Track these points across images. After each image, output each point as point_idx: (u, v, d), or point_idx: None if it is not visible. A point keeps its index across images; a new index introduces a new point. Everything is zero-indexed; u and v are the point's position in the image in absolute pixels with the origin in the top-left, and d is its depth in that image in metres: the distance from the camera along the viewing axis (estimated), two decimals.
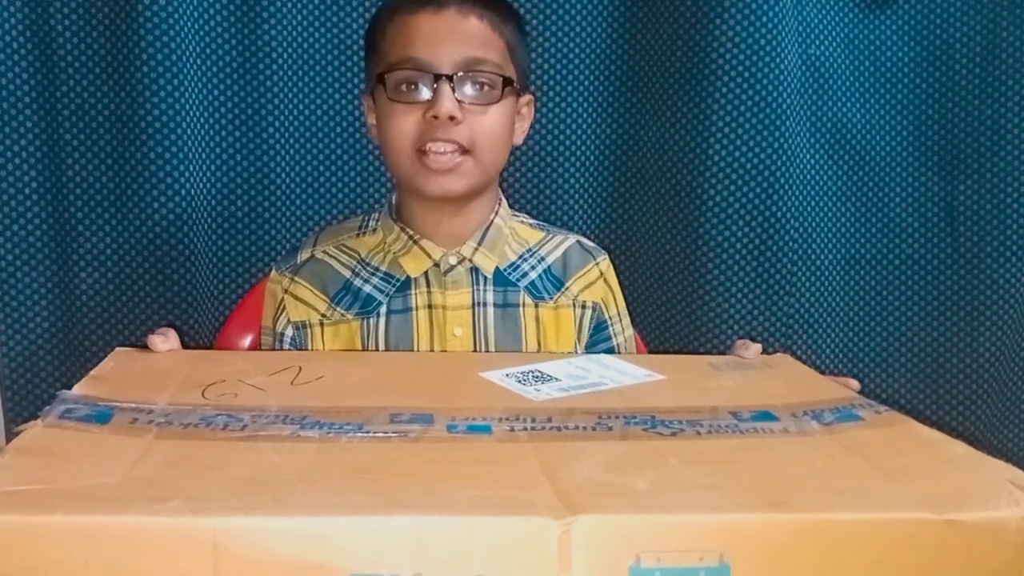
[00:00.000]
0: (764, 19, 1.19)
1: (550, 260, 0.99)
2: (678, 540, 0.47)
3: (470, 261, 0.94)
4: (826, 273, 1.30)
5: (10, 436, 0.56)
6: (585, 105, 1.29)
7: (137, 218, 1.17)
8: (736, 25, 1.19)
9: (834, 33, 1.28)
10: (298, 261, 0.96)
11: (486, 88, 0.88)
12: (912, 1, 1.30)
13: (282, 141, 1.22)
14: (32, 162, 1.16)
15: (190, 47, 1.15)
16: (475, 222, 0.95)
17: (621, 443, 0.60)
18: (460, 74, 0.86)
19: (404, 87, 0.87)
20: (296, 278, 0.95)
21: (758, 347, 0.85)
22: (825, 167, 1.30)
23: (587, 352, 0.98)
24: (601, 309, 1.00)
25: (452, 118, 0.85)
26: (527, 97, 0.97)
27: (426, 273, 0.93)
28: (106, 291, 1.20)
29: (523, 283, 0.96)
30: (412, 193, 0.92)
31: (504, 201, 0.99)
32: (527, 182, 1.28)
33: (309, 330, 0.93)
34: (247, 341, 1.16)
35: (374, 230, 0.97)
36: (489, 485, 0.51)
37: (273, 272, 0.97)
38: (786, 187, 1.24)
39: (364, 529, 0.46)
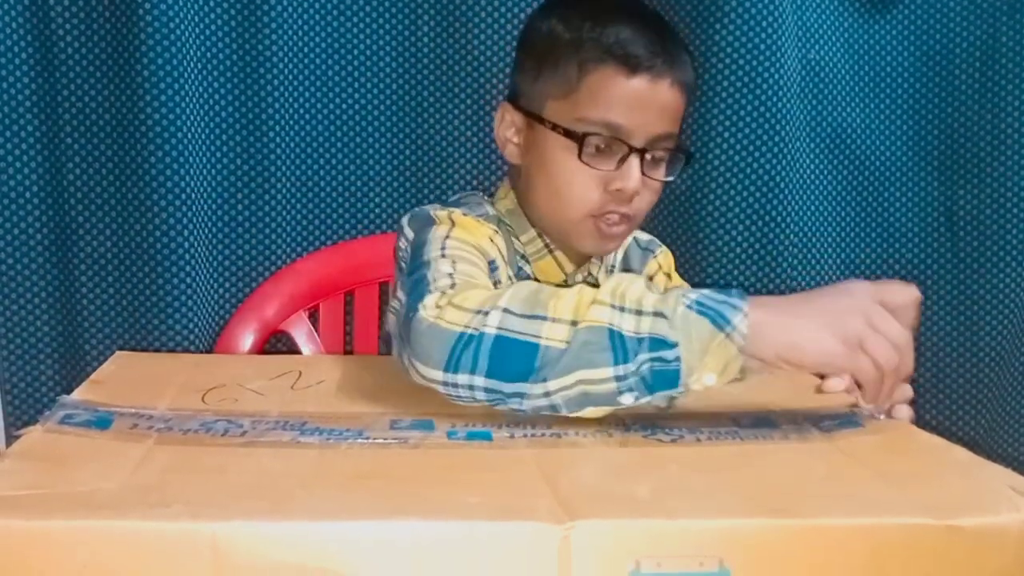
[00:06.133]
0: (764, 23, 1.19)
1: (611, 260, 1.00)
2: (678, 546, 0.47)
3: (593, 277, 0.95)
4: (826, 277, 1.30)
5: (10, 440, 0.56)
6: None
7: (138, 222, 1.17)
8: (736, 29, 1.19)
9: (834, 37, 1.28)
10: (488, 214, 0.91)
11: (663, 165, 0.88)
12: (912, 5, 1.30)
13: (282, 146, 1.22)
14: (33, 166, 1.16)
15: (191, 52, 1.15)
16: None
17: (621, 450, 0.60)
18: (649, 149, 0.85)
19: (595, 150, 0.84)
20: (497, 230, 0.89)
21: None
22: (825, 171, 1.30)
23: None
24: None
25: (636, 193, 0.85)
26: None
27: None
28: (106, 295, 1.19)
29: None
30: (561, 233, 0.90)
31: None
32: None
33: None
34: (247, 345, 1.16)
35: (499, 221, 0.92)
36: (489, 491, 0.52)
37: (472, 217, 0.87)
38: (786, 191, 1.24)
39: (364, 535, 0.46)
